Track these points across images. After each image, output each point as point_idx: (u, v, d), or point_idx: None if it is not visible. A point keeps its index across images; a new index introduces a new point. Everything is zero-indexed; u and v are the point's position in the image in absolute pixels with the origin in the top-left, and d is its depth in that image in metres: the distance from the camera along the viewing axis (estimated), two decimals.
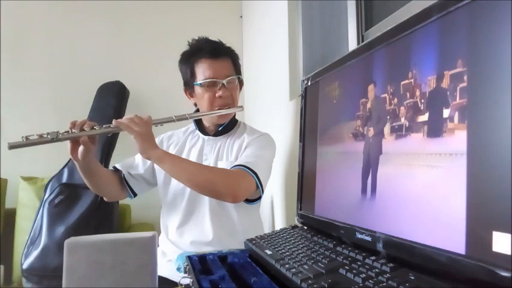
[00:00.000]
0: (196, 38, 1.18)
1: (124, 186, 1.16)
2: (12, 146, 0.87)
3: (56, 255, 1.66)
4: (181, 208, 1.14)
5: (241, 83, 1.24)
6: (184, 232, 1.14)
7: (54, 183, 1.86)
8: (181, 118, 1.06)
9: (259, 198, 1.15)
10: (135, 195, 1.18)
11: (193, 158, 1.18)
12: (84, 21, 2.27)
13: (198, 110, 1.21)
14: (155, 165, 1.17)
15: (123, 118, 1.00)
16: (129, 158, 1.22)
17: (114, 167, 1.18)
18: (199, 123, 1.23)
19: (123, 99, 2.10)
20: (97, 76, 2.14)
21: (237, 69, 1.19)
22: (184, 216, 1.14)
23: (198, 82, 1.14)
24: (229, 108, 1.15)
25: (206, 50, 1.13)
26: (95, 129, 0.94)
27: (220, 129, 1.20)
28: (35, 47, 2.21)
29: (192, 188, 1.05)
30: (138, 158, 1.20)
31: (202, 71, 1.13)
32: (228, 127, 1.21)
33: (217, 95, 1.12)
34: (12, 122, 2.14)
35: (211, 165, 1.15)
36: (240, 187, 1.02)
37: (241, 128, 1.25)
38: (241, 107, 1.19)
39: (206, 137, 1.21)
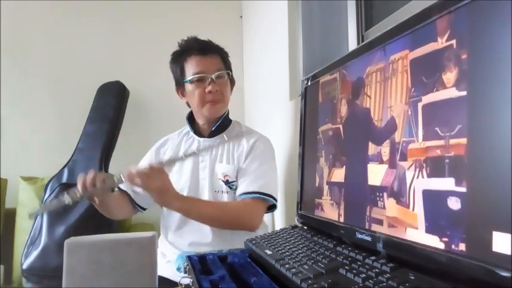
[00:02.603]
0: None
1: (134, 205, 1.19)
2: (32, 215, 0.90)
3: (56, 255, 1.65)
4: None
5: (232, 80, 1.24)
6: (183, 234, 1.14)
7: (54, 183, 1.86)
8: (190, 154, 0.99)
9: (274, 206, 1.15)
10: (144, 209, 1.21)
11: (189, 160, 1.17)
12: (84, 21, 2.27)
13: (191, 112, 1.23)
14: None
15: (135, 172, 0.90)
16: None
17: (119, 188, 1.19)
18: (193, 125, 1.23)
19: (123, 99, 2.09)
20: (97, 76, 2.13)
21: (226, 66, 1.20)
22: (182, 218, 1.14)
23: (188, 79, 1.15)
24: (219, 100, 1.14)
25: (195, 47, 1.15)
26: (105, 182, 0.90)
27: (213, 129, 1.20)
28: (35, 47, 2.21)
29: (214, 227, 1.09)
30: None
31: (191, 68, 1.15)
32: (221, 127, 1.21)
33: (206, 90, 1.13)
34: (12, 122, 2.14)
35: (208, 167, 1.15)
36: (255, 218, 1.08)
37: (237, 129, 1.25)
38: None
39: (201, 139, 1.21)
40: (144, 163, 1.23)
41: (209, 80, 1.13)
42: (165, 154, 1.23)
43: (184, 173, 1.18)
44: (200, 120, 1.22)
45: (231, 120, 1.26)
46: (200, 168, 1.17)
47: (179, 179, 1.17)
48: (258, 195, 1.07)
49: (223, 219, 1.06)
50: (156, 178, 0.92)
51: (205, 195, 1.14)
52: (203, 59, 1.14)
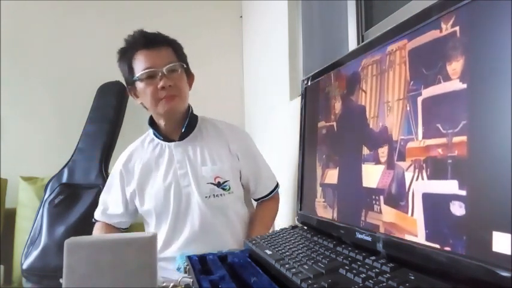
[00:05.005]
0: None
1: (119, 230, 1.22)
2: None
3: (56, 255, 1.65)
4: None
5: (189, 74, 1.13)
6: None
7: (54, 183, 1.86)
8: None
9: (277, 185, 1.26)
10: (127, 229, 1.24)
11: (162, 169, 1.09)
12: (84, 21, 2.27)
13: (151, 118, 1.13)
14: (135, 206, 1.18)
15: None
16: (105, 209, 1.20)
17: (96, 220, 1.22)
18: (158, 130, 1.13)
19: (123, 99, 2.09)
20: (97, 76, 2.13)
21: (180, 58, 1.09)
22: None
23: (137, 76, 1.05)
24: (174, 96, 1.04)
25: (141, 41, 1.06)
26: None
27: (184, 130, 1.10)
28: (35, 47, 2.21)
29: None
30: (112, 209, 1.18)
31: (140, 64, 1.05)
32: (190, 127, 1.12)
33: (159, 86, 1.02)
34: (12, 122, 2.14)
35: (189, 173, 1.08)
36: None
37: (208, 125, 1.17)
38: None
39: (172, 144, 1.11)
40: (112, 184, 1.16)
41: (160, 74, 1.03)
42: (134, 167, 1.12)
43: (161, 183, 1.08)
44: (161, 122, 1.11)
45: (197, 117, 1.17)
46: (180, 176, 1.08)
47: (158, 192, 1.08)
48: (276, 188, 1.22)
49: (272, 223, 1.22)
50: None
51: (194, 203, 1.07)
52: (151, 53, 1.04)
